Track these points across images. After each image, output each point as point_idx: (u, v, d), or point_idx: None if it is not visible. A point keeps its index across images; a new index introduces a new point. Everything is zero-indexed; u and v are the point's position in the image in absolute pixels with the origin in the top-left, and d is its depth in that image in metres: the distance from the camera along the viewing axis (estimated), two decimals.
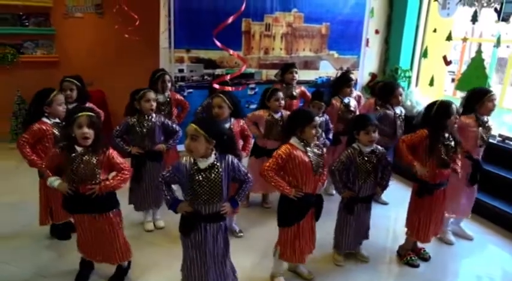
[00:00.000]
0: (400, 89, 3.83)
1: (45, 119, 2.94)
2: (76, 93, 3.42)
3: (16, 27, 5.31)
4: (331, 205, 3.09)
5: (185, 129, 2.19)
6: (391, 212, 3.98)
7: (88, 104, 3.54)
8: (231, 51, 3.92)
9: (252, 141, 3.53)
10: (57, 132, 2.92)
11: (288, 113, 3.65)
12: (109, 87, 5.36)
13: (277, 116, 3.59)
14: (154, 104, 3.25)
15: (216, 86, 3.29)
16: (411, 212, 3.07)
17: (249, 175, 2.35)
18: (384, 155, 2.89)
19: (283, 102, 3.59)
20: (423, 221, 2.97)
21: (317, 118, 2.60)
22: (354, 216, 2.92)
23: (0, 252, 3.06)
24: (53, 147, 2.84)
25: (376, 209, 3.24)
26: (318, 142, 2.66)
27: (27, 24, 5.36)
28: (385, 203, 4.13)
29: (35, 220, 3.16)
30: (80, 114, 2.36)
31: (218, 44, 3.23)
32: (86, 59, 5.41)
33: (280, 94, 3.57)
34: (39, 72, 5.21)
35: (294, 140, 2.56)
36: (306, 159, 2.51)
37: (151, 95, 3.24)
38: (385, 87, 3.89)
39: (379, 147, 2.89)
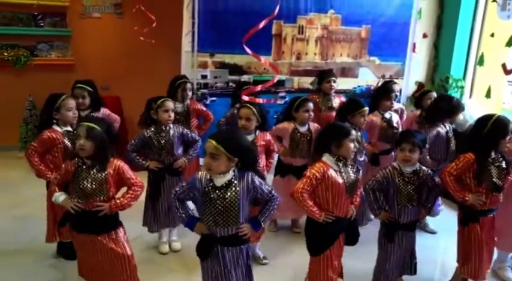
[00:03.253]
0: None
1: (56, 127, 3.01)
2: (89, 100, 3.50)
3: (30, 28, 5.51)
4: (368, 231, 3.02)
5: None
6: (440, 242, 3.84)
7: (104, 110, 3.62)
8: (263, 59, 3.93)
9: (276, 158, 3.50)
10: (67, 142, 2.99)
11: (316, 125, 3.62)
12: (126, 93, 5.48)
13: (303, 129, 3.56)
14: (172, 115, 3.28)
15: (246, 98, 3.29)
16: (459, 244, 2.97)
17: (273, 192, 2.33)
18: (430, 177, 2.81)
19: (312, 114, 3.57)
20: (473, 253, 2.85)
21: (353, 131, 2.59)
22: (395, 245, 2.83)
23: (1, 269, 3.12)
24: (62, 158, 2.92)
25: (422, 239, 3.14)
26: (356, 159, 2.62)
27: (42, 24, 5.56)
28: (433, 232, 4.01)
29: (41, 235, 3.22)
30: (80, 124, 2.43)
31: (248, 51, 3.24)
32: (102, 63, 5.56)
33: (311, 105, 3.55)
34: (52, 76, 5.38)
35: (326, 158, 2.53)
36: (340, 180, 2.49)
37: (170, 104, 3.27)
38: (446, 102, 3.66)
39: (423, 167, 2.82)
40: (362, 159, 3.55)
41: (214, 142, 2.09)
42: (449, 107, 3.62)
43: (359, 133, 3.61)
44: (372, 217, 3.85)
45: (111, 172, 2.44)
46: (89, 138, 2.36)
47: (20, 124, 5.50)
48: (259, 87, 3.29)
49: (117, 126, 3.78)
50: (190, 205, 2.65)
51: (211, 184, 2.16)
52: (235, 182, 2.17)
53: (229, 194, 2.15)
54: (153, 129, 3.28)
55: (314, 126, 3.62)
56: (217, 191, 2.15)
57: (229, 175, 2.17)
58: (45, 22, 5.58)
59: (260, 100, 3.70)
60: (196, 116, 4.16)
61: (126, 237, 2.60)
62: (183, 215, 2.27)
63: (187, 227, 2.28)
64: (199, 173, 2.22)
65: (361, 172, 2.75)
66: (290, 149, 3.57)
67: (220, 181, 2.16)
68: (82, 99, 3.46)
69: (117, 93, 5.49)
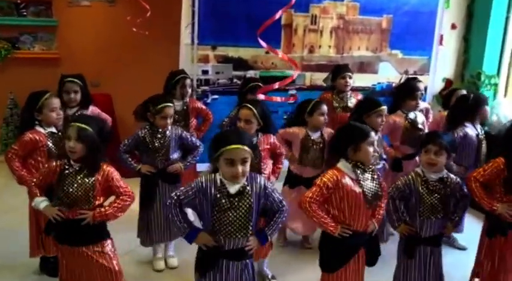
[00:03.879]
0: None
1: (38, 128, 3.02)
2: (80, 96, 3.51)
3: (12, 18, 5.54)
4: (390, 246, 2.99)
5: (226, 151, 2.13)
6: (470, 259, 3.79)
7: (92, 108, 3.64)
8: (280, 54, 3.92)
9: (284, 162, 3.50)
10: (51, 145, 3.00)
11: (329, 130, 3.61)
12: (117, 90, 5.49)
13: (315, 136, 3.55)
14: (170, 121, 3.29)
15: (262, 96, 3.28)
16: (479, 256, 2.97)
17: (283, 202, 2.34)
18: (459, 187, 2.79)
19: (327, 117, 3.57)
20: (495, 269, 2.84)
21: (373, 133, 2.57)
22: (416, 262, 2.80)
23: None
24: (46, 162, 2.92)
25: (450, 256, 3.11)
26: (375, 166, 2.61)
27: (25, 13, 5.58)
28: (462, 248, 3.98)
29: (24, 249, 3.21)
30: (71, 124, 2.43)
31: (263, 44, 3.24)
32: (92, 56, 5.58)
33: (325, 108, 3.55)
34: (36, 71, 5.41)
35: (342, 164, 2.52)
36: (357, 189, 2.47)
37: (171, 111, 3.27)
38: (464, 102, 3.71)
39: (451, 175, 2.80)
40: (380, 166, 3.52)
41: (245, 147, 2.13)
42: (469, 106, 3.64)
43: (378, 136, 3.59)
44: (392, 230, 3.83)
45: (100, 178, 2.45)
46: (80, 140, 2.37)
47: (0, 125, 5.52)
48: (276, 85, 3.29)
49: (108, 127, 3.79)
50: (190, 214, 2.65)
51: (223, 191, 2.17)
52: (248, 188, 2.19)
53: (242, 202, 2.17)
54: (148, 129, 3.29)
55: (327, 131, 3.61)
56: (230, 199, 2.16)
57: (244, 179, 2.19)
58: (28, 11, 5.61)
59: (278, 99, 3.70)
60: (195, 115, 4.17)
61: (115, 251, 2.60)
62: (185, 225, 2.24)
63: (187, 239, 2.25)
64: (207, 176, 2.22)
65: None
66: (300, 157, 3.57)
67: (235, 188, 2.17)
68: (74, 94, 3.48)
69: (108, 90, 5.50)
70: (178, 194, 2.23)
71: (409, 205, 2.77)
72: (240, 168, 2.12)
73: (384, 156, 3.71)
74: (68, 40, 5.68)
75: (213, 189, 2.17)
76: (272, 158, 3.34)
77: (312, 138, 3.54)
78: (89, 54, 5.60)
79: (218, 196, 2.16)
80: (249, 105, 3.13)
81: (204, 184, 2.19)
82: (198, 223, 2.33)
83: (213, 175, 2.21)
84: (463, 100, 3.74)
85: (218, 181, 2.18)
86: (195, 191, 2.20)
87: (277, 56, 4.58)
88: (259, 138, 3.18)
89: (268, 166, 3.24)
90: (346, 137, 2.54)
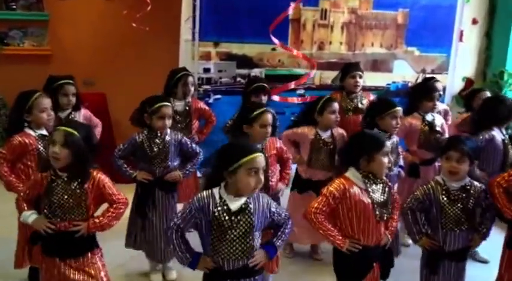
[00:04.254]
0: None
1: (28, 130, 3.02)
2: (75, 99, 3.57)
3: (0, 11, 5.55)
4: (406, 260, 2.97)
5: (249, 160, 2.11)
6: (492, 273, 3.77)
7: (84, 111, 3.68)
8: (295, 51, 3.91)
9: (292, 167, 3.49)
10: (42, 148, 2.99)
11: (341, 131, 3.61)
12: (113, 89, 5.49)
13: (325, 135, 3.55)
14: (169, 122, 3.28)
15: (276, 98, 3.26)
16: (501, 269, 2.97)
17: (287, 213, 2.38)
18: (484, 195, 2.77)
19: (339, 116, 3.57)
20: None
21: (388, 143, 2.57)
22: (439, 277, 2.78)
23: None
24: (36, 166, 2.92)
25: (471, 269, 3.08)
26: (390, 172, 2.60)
27: (14, 7, 5.60)
28: (485, 262, 3.95)
29: (10, 259, 3.21)
30: (57, 128, 2.43)
31: (276, 41, 3.23)
32: (86, 53, 5.59)
33: (337, 106, 3.56)
34: (26, 68, 5.40)
35: (351, 173, 2.53)
36: (366, 200, 2.48)
37: (168, 110, 3.26)
38: (500, 104, 3.67)
39: (475, 183, 2.78)
40: (394, 172, 3.51)
41: (262, 155, 2.17)
42: (506, 111, 3.61)
43: (395, 139, 3.57)
44: (410, 242, 3.81)
45: (90, 186, 2.44)
46: (66, 146, 2.35)
47: None
48: (292, 85, 3.27)
49: (98, 132, 3.76)
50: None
51: (224, 208, 2.15)
52: (251, 206, 2.17)
53: (244, 220, 2.15)
54: (146, 133, 3.28)
55: (338, 132, 3.61)
56: (232, 218, 2.14)
57: (244, 197, 2.18)
58: (18, 4, 5.61)
59: (294, 99, 3.70)
60: (198, 117, 4.17)
61: (103, 261, 2.59)
62: (187, 255, 2.23)
63: (190, 266, 2.24)
64: (205, 192, 2.20)
65: (395, 187, 2.72)
66: (309, 159, 3.57)
67: (236, 204, 2.16)
68: (72, 97, 3.54)
69: (103, 89, 5.51)
70: (178, 222, 2.21)
71: (430, 216, 2.75)
72: (262, 177, 2.15)
73: (401, 162, 3.69)
74: (60, 36, 5.68)
75: (211, 206, 2.15)
76: (278, 163, 3.33)
77: (323, 138, 3.54)
78: (83, 50, 5.60)
79: (217, 213, 2.14)
80: (270, 110, 3.11)
81: (201, 202, 2.17)
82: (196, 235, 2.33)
83: (210, 191, 2.20)
84: (498, 102, 3.69)
85: (217, 197, 2.17)
86: (193, 213, 2.18)
87: (284, 54, 4.58)
88: (266, 143, 3.17)
89: (275, 173, 3.23)
90: (359, 146, 2.55)
